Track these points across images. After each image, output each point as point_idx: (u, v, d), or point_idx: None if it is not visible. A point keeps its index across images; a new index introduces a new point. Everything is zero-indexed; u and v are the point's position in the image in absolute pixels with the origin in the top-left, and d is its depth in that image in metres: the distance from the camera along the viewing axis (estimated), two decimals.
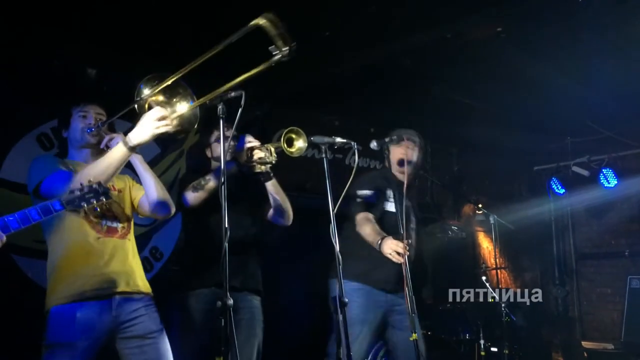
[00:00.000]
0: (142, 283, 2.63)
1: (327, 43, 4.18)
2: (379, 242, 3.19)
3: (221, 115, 2.24)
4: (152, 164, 4.46)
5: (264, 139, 3.07)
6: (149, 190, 2.60)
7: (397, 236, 3.14)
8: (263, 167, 2.97)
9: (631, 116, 5.79)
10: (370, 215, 3.41)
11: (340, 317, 2.57)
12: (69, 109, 2.65)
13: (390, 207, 3.55)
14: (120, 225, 2.61)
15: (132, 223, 2.71)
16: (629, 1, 3.69)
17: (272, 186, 3.07)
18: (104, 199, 2.14)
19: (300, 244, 5.45)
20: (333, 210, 2.67)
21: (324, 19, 3.90)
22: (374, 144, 3.27)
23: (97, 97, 2.82)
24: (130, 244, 2.65)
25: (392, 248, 3.08)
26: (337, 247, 2.63)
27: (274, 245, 5.24)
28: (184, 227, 3.24)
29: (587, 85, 5.05)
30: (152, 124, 2.24)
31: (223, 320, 2.08)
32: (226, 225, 2.16)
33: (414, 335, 2.98)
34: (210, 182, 2.92)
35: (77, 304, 2.38)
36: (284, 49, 1.88)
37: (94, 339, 2.39)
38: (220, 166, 3.00)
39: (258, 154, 2.92)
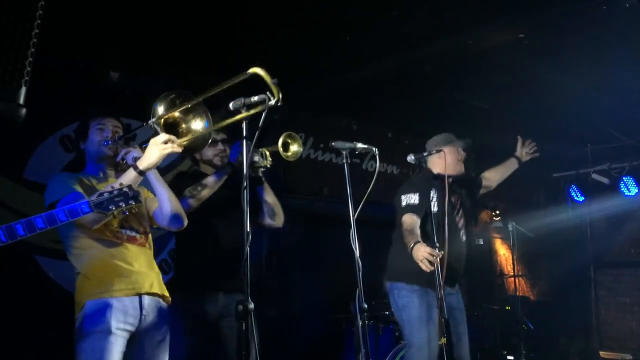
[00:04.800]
0: (162, 289, 2.68)
1: (348, 48, 4.19)
2: (411, 246, 3.22)
3: (245, 120, 2.25)
4: (169, 168, 4.53)
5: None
6: (162, 203, 2.63)
7: (429, 242, 3.18)
8: (256, 171, 2.99)
9: None
10: (415, 217, 3.45)
11: (360, 322, 2.56)
12: (87, 121, 2.71)
13: (435, 208, 3.60)
14: (138, 235, 2.66)
15: (149, 235, 2.75)
16: None
17: (264, 190, 3.11)
18: (134, 203, 2.15)
19: (316, 249, 5.46)
20: (353, 216, 2.67)
21: (346, 24, 3.91)
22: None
23: (119, 101, 2.85)
24: (150, 251, 2.71)
25: (424, 255, 3.08)
26: (357, 253, 2.63)
27: (289, 249, 5.28)
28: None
29: (608, 92, 5.00)
30: (158, 147, 2.34)
31: (244, 324, 2.09)
32: (247, 230, 2.18)
33: (443, 339, 3.01)
34: (206, 190, 2.94)
35: (112, 298, 2.45)
36: (275, 98, 2.06)
37: (128, 328, 2.46)
38: (215, 171, 3.04)
39: (253, 158, 2.94)
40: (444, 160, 3.62)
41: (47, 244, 3.79)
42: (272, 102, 2.06)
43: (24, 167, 3.87)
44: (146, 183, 2.73)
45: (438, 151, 3.60)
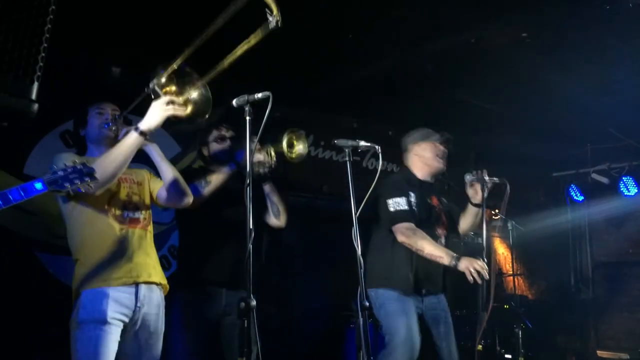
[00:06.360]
0: (161, 277, 2.68)
1: (349, 46, 4.18)
2: (454, 261, 3.19)
3: (248, 117, 2.25)
4: (172, 162, 4.51)
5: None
6: (166, 179, 2.64)
7: (478, 257, 3.17)
8: (261, 169, 2.99)
9: None
10: (413, 225, 3.31)
11: (361, 320, 2.56)
12: (86, 108, 2.72)
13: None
14: (142, 216, 2.65)
15: (151, 215, 2.75)
16: None
17: (269, 188, 3.11)
18: (89, 180, 2.11)
19: (317, 247, 5.46)
20: (356, 214, 2.67)
21: (347, 22, 3.90)
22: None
23: (119, 97, 2.86)
24: (150, 235, 2.70)
25: (475, 267, 3.11)
26: (359, 251, 2.62)
27: (290, 247, 5.27)
28: (178, 225, 3.26)
29: (609, 92, 5.00)
30: (160, 107, 2.38)
31: (246, 321, 2.09)
32: (250, 227, 2.18)
33: (479, 347, 2.98)
34: (211, 185, 2.96)
35: (109, 287, 2.44)
36: (274, 14, 1.87)
37: (123, 318, 2.46)
38: (220, 168, 3.04)
39: (258, 157, 2.95)
40: (422, 159, 3.54)
41: (47, 240, 3.79)
42: (272, 20, 1.89)
43: (24, 163, 3.87)
44: (150, 165, 2.72)
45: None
